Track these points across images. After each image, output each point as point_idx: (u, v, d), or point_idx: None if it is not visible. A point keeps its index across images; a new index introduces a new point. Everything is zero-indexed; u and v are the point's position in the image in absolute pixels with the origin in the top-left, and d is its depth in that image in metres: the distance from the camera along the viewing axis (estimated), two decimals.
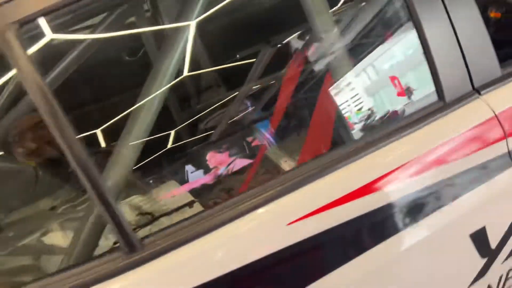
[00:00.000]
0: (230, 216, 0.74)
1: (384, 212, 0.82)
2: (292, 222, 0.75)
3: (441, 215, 0.86)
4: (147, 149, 0.96)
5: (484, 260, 0.93)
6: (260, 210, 0.75)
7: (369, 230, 0.83)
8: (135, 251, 0.70)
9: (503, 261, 0.96)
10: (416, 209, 0.84)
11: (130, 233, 0.70)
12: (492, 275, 0.96)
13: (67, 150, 0.65)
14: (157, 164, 1.27)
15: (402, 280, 0.89)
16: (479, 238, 0.90)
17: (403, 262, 0.87)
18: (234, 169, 1.23)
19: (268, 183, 0.77)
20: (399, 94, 0.96)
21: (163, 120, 0.98)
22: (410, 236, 0.85)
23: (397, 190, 0.83)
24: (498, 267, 0.96)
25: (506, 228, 0.92)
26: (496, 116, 0.88)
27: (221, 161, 1.25)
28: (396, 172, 0.83)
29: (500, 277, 0.98)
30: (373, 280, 0.85)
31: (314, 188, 0.78)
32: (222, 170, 1.23)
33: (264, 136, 1.29)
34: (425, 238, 0.86)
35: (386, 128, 0.86)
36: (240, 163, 1.23)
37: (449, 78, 0.88)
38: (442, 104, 0.88)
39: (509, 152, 0.90)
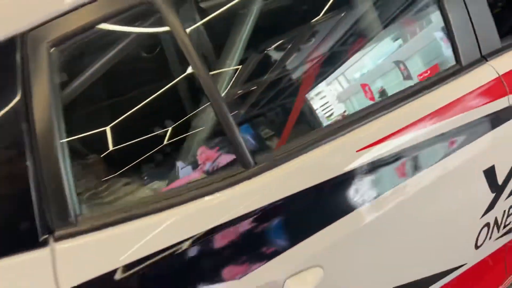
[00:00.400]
0: None
1: (417, 149, 1.02)
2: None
3: (461, 153, 1.07)
4: None
5: (493, 195, 1.15)
6: None
7: (409, 161, 1.03)
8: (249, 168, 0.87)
9: (506, 198, 1.19)
10: (442, 148, 1.06)
11: (246, 153, 0.87)
12: (498, 209, 1.18)
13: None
14: None
15: (430, 210, 1.09)
16: (490, 175, 1.13)
17: (431, 193, 1.07)
18: None
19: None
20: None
21: None
22: (437, 172, 1.06)
23: (428, 132, 1.04)
24: (503, 203, 1.18)
25: (509, 167, 1.16)
26: (500, 77, 1.13)
27: None
28: (428, 117, 1.04)
29: (504, 212, 1.21)
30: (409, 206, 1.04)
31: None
32: None
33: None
34: (449, 172, 1.07)
35: (420, 84, 1.08)
36: None
37: (464, 46, 1.12)
38: (459, 67, 1.12)
39: (510, 105, 1.14)
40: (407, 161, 1.01)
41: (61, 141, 0.79)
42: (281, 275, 0.83)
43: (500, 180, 1.15)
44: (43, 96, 0.78)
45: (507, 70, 1.15)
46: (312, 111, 1.28)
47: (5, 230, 0.67)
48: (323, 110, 1.27)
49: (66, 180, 0.77)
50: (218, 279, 0.81)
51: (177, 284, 0.79)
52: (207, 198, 0.83)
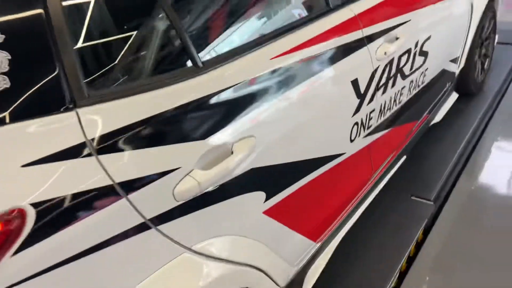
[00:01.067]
0: None
1: (305, 63, 1.42)
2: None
3: (335, 68, 1.51)
4: None
5: (358, 100, 1.62)
6: None
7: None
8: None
9: (368, 103, 1.67)
10: (321, 63, 1.47)
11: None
12: (363, 112, 1.66)
13: None
14: None
15: (316, 106, 1.51)
16: (355, 85, 1.59)
17: (316, 94, 1.49)
18: None
19: None
20: None
21: None
22: (322, 78, 1.47)
23: (310, 52, 1.43)
24: (366, 107, 1.67)
25: (367, 80, 1.64)
26: (356, 16, 1.60)
27: None
28: (308, 43, 1.43)
29: (367, 115, 1.69)
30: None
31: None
32: None
33: None
34: (328, 79, 1.49)
35: (302, 19, 1.49)
36: None
37: None
38: (328, 8, 1.56)
39: (363, 37, 1.62)
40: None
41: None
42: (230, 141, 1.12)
43: (362, 89, 1.62)
44: None
45: (362, 11, 1.63)
46: None
47: (36, 97, 0.86)
48: None
49: None
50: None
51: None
52: None
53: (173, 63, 1.17)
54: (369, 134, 1.77)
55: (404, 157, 2.24)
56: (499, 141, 2.70)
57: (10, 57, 0.82)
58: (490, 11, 2.86)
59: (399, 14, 1.83)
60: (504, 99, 3.07)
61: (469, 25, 2.60)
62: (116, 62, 1.06)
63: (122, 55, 1.08)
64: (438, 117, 2.57)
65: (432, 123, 2.53)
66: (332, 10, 1.57)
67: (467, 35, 2.62)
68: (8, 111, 0.81)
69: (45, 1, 0.88)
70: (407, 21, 1.86)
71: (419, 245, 2.03)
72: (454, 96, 2.80)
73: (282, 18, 1.52)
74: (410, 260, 1.96)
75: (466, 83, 2.88)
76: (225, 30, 1.33)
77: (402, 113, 2.02)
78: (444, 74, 2.46)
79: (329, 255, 1.72)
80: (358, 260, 1.92)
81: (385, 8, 1.77)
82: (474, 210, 2.21)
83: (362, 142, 1.73)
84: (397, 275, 1.88)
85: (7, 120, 0.81)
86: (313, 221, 1.55)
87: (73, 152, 0.86)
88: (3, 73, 0.81)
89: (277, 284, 1.39)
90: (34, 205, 0.79)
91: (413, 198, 2.25)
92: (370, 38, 1.64)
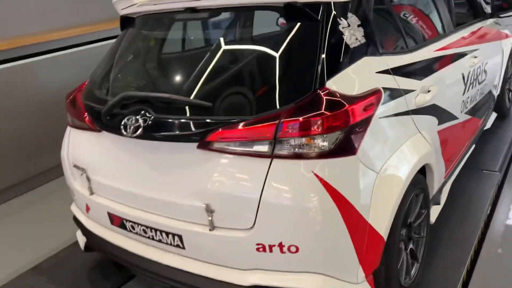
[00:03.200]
0: None
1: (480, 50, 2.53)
2: None
3: (459, 63, 2.61)
4: None
5: (464, 87, 2.70)
6: None
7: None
8: None
9: (467, 91, 2.76)
10: (455, 59, 2.58)
11: None
12: (465, 96, 2.74)
13: None
14: None
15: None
16: (464, 77, 2.68)
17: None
18: None
19: None
20: None
21: None
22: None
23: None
24: (466, 93, 2.74)
25: (467, 76, 2.74)
26: (461, 38, 2.76)
27: None
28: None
29: (466, 97, 2.77)
30: None
31: None
32: None
33: None
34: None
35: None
36: None
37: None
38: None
39: (466, 51, 2.75)
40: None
41: None
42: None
43: (466, 81, 2.71)
44: None
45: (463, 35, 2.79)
46: None
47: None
48: None
49: None
50: None
51: None
52: None
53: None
54: (465, 112, 2.81)
55: (474, 145, 3.26)
56: None
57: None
58: None
59: (477, 43, 2.98)
60: None
61: (502, 62, 3.79)
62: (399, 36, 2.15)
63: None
64: (488, 124, 3.65)
65: (485, 128, 3.61)
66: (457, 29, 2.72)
67: (501, 69, 3.80)
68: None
69: None
70: (478, 49, 3.01)
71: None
72: (494, 114, 3.91)
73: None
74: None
75: (501, 106, 4.01)
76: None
77: (476, 108, 3.09)
78: (490, 94, 3.58)
79: (447, 192, 2.66)
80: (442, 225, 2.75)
81: (471, 37, 2.93)
82: None
83: (463, 116, 2.78)
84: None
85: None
86: (448, 155, 2.53)
87: (385, 72, 1.90)
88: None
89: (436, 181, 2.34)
90: (383, 89, 1.80)
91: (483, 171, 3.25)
92: (467, 53, 2.77)
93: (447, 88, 2.44)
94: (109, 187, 2.06)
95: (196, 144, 1.71)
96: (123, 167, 2.00)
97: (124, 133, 1.84)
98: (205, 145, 1.70)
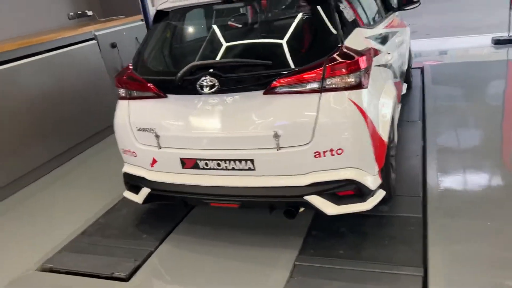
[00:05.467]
0: None
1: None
2: None
3: (396, 36, 3.69)
4: None
5: (395, 48, 3.81)
6: None
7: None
8: None
9: (395, 51, 3.87)
10: (392, 34, 3.65)
11: None
12: (394, 57, 3.85)
13: None
14: None
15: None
16: (398, 41, 3.78)
17: None
18: None
19: None
20: None
21: None
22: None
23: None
24: (394, 53, 3.86)
25: (399, 42, 3.85)
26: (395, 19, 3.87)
27: None
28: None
29: (394, 59, 3.89)
30: None
31: None
32: None
33: None
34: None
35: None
36: None
37: None
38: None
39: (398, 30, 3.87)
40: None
41: None
42: None
43: (397, 42, 3.82)
44: None
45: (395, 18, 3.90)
46: None
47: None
48: None
49: None
50: None
51: None
52: None
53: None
54: (398, 76, 3.91)
55: (400, 104, 4.41)
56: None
57: None
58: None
59: (397, 27, 4.13)
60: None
61: (408, 44, 5.08)
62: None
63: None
64: (404, 90, 4.87)
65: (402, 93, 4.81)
66: (385, 16, 3.79)
67: (408, 49, 5.08)
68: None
69: None
70: (398, 31, 4.16)
71: None
72: (405, 84, 5.18)
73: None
74: None
75: (407, 78, 5.32)
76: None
77: (401, 75, 4.23)
78: (403, 67, 4.82)
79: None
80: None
81: (393, 23, 4.07)
82: None
83: (397, 78, 3.87)
84: None
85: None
86: (397, 102, 3.57)
87: (368, 38, 2.85)
88: None
89: None
90: (373, 49, 2.75)
91: (409, 122, 4.42)
92: (396, 32, 3.89)
93: (393, 54, 3.49)
94: (181, 137, 2.68)
95: (261, 91, 2.46)
96: (194, 119, 2.64)
97: (202, 91, 2.51)
98: (270, 90, 2.45)
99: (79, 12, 5.90)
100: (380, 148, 2.61)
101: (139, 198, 2.96)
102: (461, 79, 5.63)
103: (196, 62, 2.63)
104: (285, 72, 2.43)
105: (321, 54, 2.46)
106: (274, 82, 2.43)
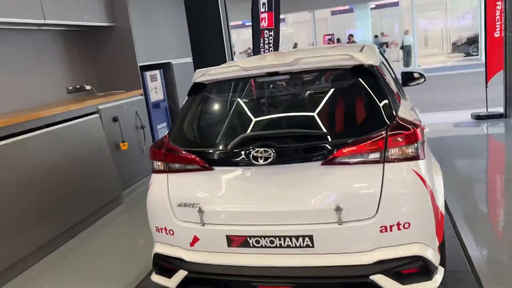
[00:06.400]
0: None
1: None
2: None
3: None
4: None
5: None
6: None
7: None
8: None
9: None
10: None
11: None
12: None
13: None
14: None
15: None
16: None
17: None
18: None
19: None
20: None
21: None
22: None
23: None
24: None
25: None
26: None
27: None
28: None
29: None
30: None
31: None
32: None
33: None
34: None
35: None
36: None
37: None
38: None
39: None
40: None
41: None
42: None
43: None
44: None
45: None
46: None
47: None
48: None
49: None
50: None
51: None
52: None
53: None
54: None
55: None
56: None
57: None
58: None
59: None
60: None
61: None
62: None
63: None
64: None
65: None
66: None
67: None
68: None
69: None
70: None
71: None
72: None
73: None
74: None
75: None
76: None
77: None
78: None
79: None
80: None
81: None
82: None
83: None
84: None
85: None
86: None
87: (410, 109, 2.84)
88: None
89: None
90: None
91: None
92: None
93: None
94: (228, 213, 2.47)
95: (319, 162, 2.34)
96: (244, 193, 2.46)
97: (256, 163, 2.36)
98: (329, 161, 2.34)
99: (78, 86, 5.79)
100: (440, 221, 2.49)
101: (172, 282, 2.65)
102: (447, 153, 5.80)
103: (250, 133, 2.51)
104: (346, 143, 2.34)
105: (378, 125, 2.40)
106: (335, 152, 2.33)
